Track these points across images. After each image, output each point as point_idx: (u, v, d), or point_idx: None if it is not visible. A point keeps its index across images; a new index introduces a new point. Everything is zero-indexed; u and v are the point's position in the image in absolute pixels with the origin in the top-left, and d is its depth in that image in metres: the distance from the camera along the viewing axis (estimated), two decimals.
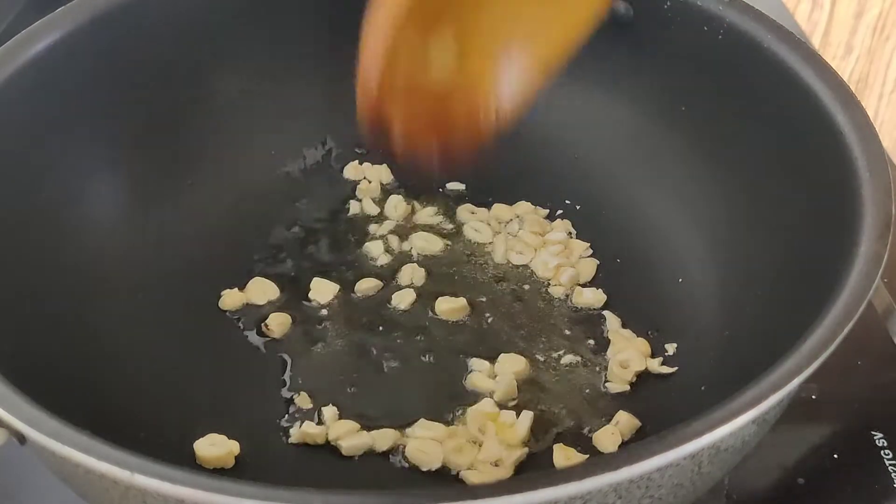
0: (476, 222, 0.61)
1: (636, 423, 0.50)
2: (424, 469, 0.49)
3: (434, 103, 0.46)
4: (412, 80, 0.44)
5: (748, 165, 0.55)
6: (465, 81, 0.45)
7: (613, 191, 0.61)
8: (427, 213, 0.61)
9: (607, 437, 0.50)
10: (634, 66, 0.60)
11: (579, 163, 0.62)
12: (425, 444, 0.49)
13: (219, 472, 0.48)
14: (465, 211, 0.61)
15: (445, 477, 0.49)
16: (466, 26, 0.44)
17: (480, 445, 0.49)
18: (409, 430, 0.50)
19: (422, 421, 0.50)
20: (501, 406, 0.51)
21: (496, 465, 0.49)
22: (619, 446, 0.50)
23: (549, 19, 0.46)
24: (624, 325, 0.55)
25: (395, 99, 0.44)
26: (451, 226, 0.61)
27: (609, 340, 0.55)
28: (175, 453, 0.49)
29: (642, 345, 0.54)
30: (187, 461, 0.49)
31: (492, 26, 0.44)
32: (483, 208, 0.62)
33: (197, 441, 0.49)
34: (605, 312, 0.56)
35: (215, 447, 0.49)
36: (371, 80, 0.42)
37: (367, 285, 0.57)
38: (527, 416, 0.50)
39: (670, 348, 0.54)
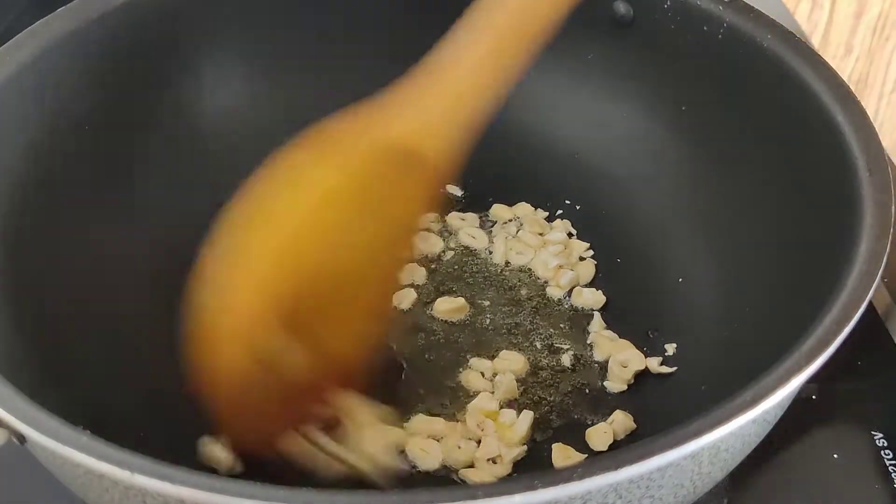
0: (469, 228, 0.61)
1: (631, 424, 0.51)
2: (423, 469, 0.49)
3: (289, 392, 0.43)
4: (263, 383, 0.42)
5: (748, 165, 0.55)
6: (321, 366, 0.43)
7: (613, 191, 0.61)
8: (426, 220, 0.61)
9: (599, 435, 0.50)
10: (634, 66, 0.60)
11: (579, 162, 0.62)
12: (425, 443, 0.49)
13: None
14: (454, 218, 0.61)
15: (445, 477, 0.49)
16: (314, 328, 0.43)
17: (479, 442, 0.49)
18: (407, 425, 0.50)
19: (420, 416, 0.50)
20: (501, 405, 0.51)
21: (494, 462, 0.49)
22: (611, 445, 0.50)
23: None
24: (610, 327, 0.55)
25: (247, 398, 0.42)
26: (452, 244, 0.61)
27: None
28: (175, 453, 0.49)
29: (625, 346, 0.54)
30: (188, 461, 0.49)
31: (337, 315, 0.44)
32: (472, 213, 0.61)
33: (202, 440, 0.49)
34: (595, 313, 0.56)
35: (220, 448, 0.49)
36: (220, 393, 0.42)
37: None
38: (527, 416, 0.50)
39: (670, 348, 0.54)
